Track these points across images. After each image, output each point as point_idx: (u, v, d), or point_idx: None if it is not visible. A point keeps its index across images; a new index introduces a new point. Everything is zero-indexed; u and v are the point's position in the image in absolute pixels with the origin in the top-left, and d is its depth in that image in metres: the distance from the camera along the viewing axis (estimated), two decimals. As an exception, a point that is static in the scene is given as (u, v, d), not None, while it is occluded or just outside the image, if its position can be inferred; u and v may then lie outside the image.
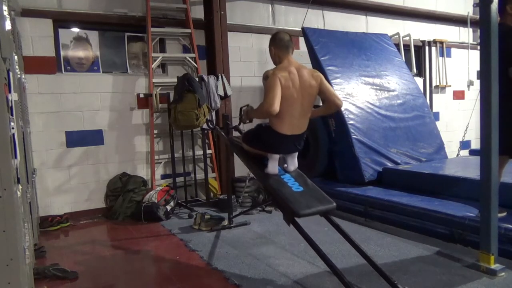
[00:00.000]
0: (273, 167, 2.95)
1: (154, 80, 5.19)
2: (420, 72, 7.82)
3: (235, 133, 4.19)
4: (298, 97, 2.79)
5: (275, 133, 2.84)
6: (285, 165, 3.04)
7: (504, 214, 3.20)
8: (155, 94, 5.09)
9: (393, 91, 5.58)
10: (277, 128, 2.83)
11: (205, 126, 5.02)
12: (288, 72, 2.77)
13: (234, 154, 4.54)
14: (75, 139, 4.87)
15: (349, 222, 4.19)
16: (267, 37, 6.19)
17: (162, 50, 5.50)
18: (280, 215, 2.93)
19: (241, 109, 3.41)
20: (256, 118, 3.17)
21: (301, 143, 3.00)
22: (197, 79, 5.10)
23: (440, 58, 7.95)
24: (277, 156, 2.96)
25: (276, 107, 2.67)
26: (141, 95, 5.17)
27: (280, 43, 2.89)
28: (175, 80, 5.05)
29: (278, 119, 2.80)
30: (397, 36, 7.10)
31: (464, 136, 6.23)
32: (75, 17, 4.88)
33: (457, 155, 6.26)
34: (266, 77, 2.83)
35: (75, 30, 5.00)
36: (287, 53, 2.89)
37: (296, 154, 3.06)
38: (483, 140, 2.89)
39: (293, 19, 6.31)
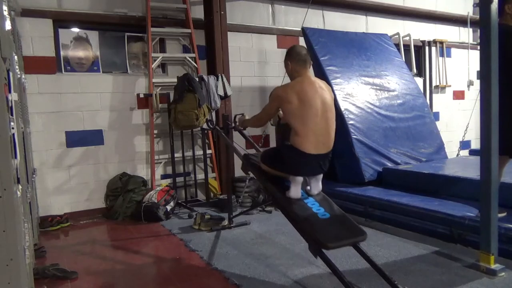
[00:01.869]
0: (296, 190, 2.72)
1: (154, 80, 5.19)
2: (420, 72, 7.82)
3: (236, 134, 4.19)
4: (320, 111, 2.62)
5: (298, 153, 2.62)
6: (308, 188, 2.82)
7: (504, 214, 3.20)
8: (155, 94, 5.09)
9: (393, 91, 5.58)
10: (301, 147, 2.61)
11: (205, 126, 5.02)
12: (302, 88, 2.62)
13: (234, 154, 4.54)
14: (75, 139, 4.87)
15: (349, 222, 4.18)
16: (267, 37, 6.27)
17: (162, 50, 5.50)
18: (280, 215, 2.93)
19: (235, 116, 3.43)
20: (249, 125, 3.19)
21: (326, 164, 2.76)
22: (197, 79, 5.10)
23: (440, 58, 7.95)
24: (300, 179, 2.73)
25: (263, 123, 2.82)
26: (141, 95, 5.17)
27: (297, 57, 2.74)
28: (175, 80, 5.06)
29: (300, 137, 2.61)
30: (397, 36, 7.10)
31: (464, 136, 6.23)
32: (75, 17, 4.88)
33: (457, 155, 6.26)
34: (272, 94, 2.76)
35: (75, 30, 5.00)
36: (305, 68, 2.74)
37: (321, 176, 2.83)
38: (483, 140, 2.89)
39: (293, 19, 6.31)
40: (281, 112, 2.88)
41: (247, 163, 3.24)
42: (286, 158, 2.72)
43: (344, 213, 2.70)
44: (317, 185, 2.82)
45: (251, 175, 4.15)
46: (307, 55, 2.78)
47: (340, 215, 2.67)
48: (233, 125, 3.49)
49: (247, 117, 3.39)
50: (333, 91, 4.92)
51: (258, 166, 3.03)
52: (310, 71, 2.81)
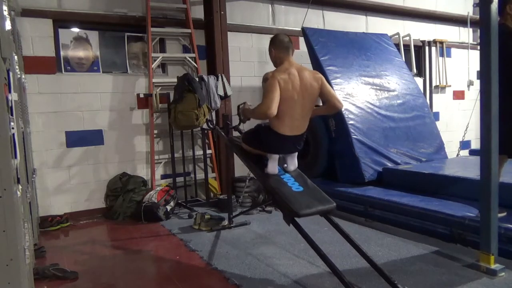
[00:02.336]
0: (273, 167, 2.96)
1: (154, 80, 5.19)
2: (420, 72, 7.82)
3: (235, 133, 4.20)
4: (299, 98, 2.80)
5: (275, 134, 2.85)
6: (285, 165, 3.05)
7: (504, 214, 3.20)
8: (155, 94, 5.09)
9: (393, 91, 5.58)
10: (277, 129, 2.84)
11: (205, 126, 5.02)
12: (288, 74, 2.77)
13: (234, 154, 4.54)
14: (75, 139, 4.87)
15: (349, 222, 4.19)
16: (267, 37, 6.20)
17: (162, 50, 5.50)
18: (280, 215, 2.93)
19: (238, 107, 3.42)
20: (253, 118, 3.17)
21: (301, 144, 3.01)
22: (197, 79, 5.10)
23: (440, 58, 7.95)
24: (276, 156, 2.97)
25: (274, 110, 2.69)
26: (141, 95, 5.17)
27: (280, 45, 2.90)
28: (175, 80, 5.06)
29: (278, 120, 2.80)
30: (397, 36, 7.10)
31: (464, 136, 6.22)
32: (75, 17, 4.88)
33: (457, 155, 6.26)
34: (266, 79, 2.83)
35: (75, 30, 5.00)
36: (288, 55, 2.89)
37: (296, 154, 3.07)
38: (483, 140, 2.89)
39: (293, 19, 6.31)
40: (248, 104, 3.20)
41: (231, 145, 3.52)
42: (263, 138, 2.96)
43: (316, 187, 2.92)
44: (293, 162, 3.06)
45: (251, 174, 4.15)
46: (290, 43, 2.92)
47: (312, 188, 2.89)
48: (241, 117, 3.46)
49: (248, 104, 3.40)
50: (325, 78, 4.94)
51: (240, 146, 3.28)
52: (293, 58, 2.91)
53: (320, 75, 2.92)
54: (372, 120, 5.13)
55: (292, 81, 2.77)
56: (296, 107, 2.81)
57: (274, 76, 2.75)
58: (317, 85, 2.87)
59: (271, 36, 3.10)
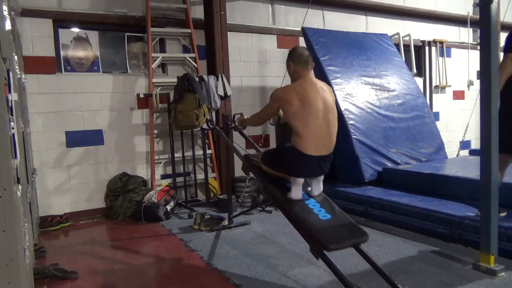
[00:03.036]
0: (296, 192, 2.72)
1: (154, 80, 5.19)
2: (420, 72, 7.82)
3: (236, 134, 4.19)
4: (321, 112, 2.62)
5: (299, 154, 2.61)
6: (309, 189, 2.82)
7: (504, 214, 3.21)
8: (155, 94, 5.09)
9: (393, 91, 5.58)
10: (302, 148, 2.60)
11: (205, 126, 5.02)
12: (304, 89, 2.62)
13: (234, 154, 4.54)
14: (75, 139, 4.87)
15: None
16: (267, 37, 6.27)
17: (162, 50, 5.50)
18: (281, 215, 2.93)
19: (234, 115, 3.43)
20: (248, 125, 3.20)
21: (327, 165, 2.75)
22: (197, 79, 5.10)
23: (440, 58, 7.95)
24: (301, 180, 2.74)
25: (262, 122, 2.83)
26: (141, 95, 5.17)
27: (299, 59, 2.74)
28: (175, 80, 5.05)
29: (301, 138, 2.60)
30: (397, 36, 7.10)
31: (464, 136, 6.23)
32: (75, 17, 4.88)
33: (457, 155, 6.26)
34: (272, 95, 2.75)
35: (75, 30, 5.00)
36: (307, 70, 2.73)
37: (322, 177, 2.83)
38: (483, 140, 2.89)
39: (293, 19, 6.31)
40: (281, 111, 2.86)
41: (247, 164, 3.22)
42: (287, 159, 2.70)
43: (345, 214, 2.69)
44: (318, 186, 2.81)
45: (251, 175, 4.15)
46: (309, 57, 2.77)
47: (341, 216, 2.66)
48: (232, 125, 3.51)
49: (246, 117, 3.39)
50: (333, 91, 4.95)
51: (259, 166, 3.00)
52: (312, 73, 2.81)
53: (330, 87, 2.83)
54: (372, 120, 5.13)
55: (310, 96, 2.60)
56: (319, 124, 2.61)
57: (278, 95, 2.66)
58: (333, 98, 2.77)
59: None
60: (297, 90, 2.63)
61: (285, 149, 2.72)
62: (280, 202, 2.83)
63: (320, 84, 2.75)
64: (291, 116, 2.63)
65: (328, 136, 2.68)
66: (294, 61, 2.75)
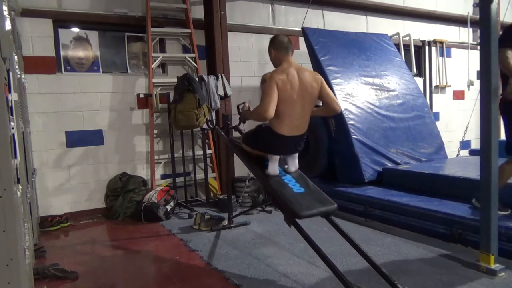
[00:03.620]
0: (273, 168, 2.94)
1: (154, 80, 5.19)
2: (420, 72, 7.82)
3: (236, 134, 4.20)
4: (298, 98, 2.79)
5: (275, 134, 2.85)
6: (286, 166, 3.04)
7: (508, 212, 3.21)
8: (155, 94, 5.09)
9: (393, 91, 5.58)
10: (277, 129, 2.84)
11: (205, 126, 5.02)
12: (287, 74, 2.78)
13: (234, 154, 4.55)
14: (75, 139, 4.87)
15: (349, 222, 4.19)
16: (267, 37, 6.19)
17: (162, 50, 5.50)
18: (280, 215, 2.93)
19: (238, 107, 3.43)
20: (252, 120, 3.17)
21: (301, 144, 3.00)
22: (197, 79, 5.10)
23: (440, 58, 7.95)
24: (277, 157, 2.96)
25: (271, 112, 2.71)
26: (141, 95, 5.17)
27: (280, 45, 2.91)
28: (175, 80, 5.05)
29: (277, 121, 2.80)
30: (397, 36, 7.10)
31: (464, 136, 6.22)
32: (75, 17, 4.88)
33: (457, 155, 6.26)
34: (264, 80, 2.85)
35: (75, 30, 5.00)
36: (287, 55, 2.90)
37: (297, 155, 3.06)
38: (483, 140, 2.89)
39: (293, 19, 6.31)
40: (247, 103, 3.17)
41: (231, 145, 3.49)
42: (264, 139, 2.96)
43: (318, 188, 2.90)
44: (293, 163, 3.04)
45: (251, 175, 4.14)
46: (289, 43, 2.94)
47: (313, 190, 2.87)
48: (238, 116, 3.52)
49: (247, 105, 3.41)
50: (333, 91, 4.95)
51: (241, 147, 3.27)
52: (292, 59, 2.93)
53: (320, 77, 2.92)
54: (372, 120, 5.13)
55: (290, 81, 2.77)
56: (296, 107, 2.80)
57: (272, 77, 2.76)
58: (317, 86, 2.87)
59: (271, 36, 3.12)
60: (280, 74, 2.79)
61: (263, 130, 2.98)
62: (260, 177, 3.10)
63: (302, 70, 2.88)
64: None
65: (301, 119, 2.88)
66: (276, 47, 2.93)
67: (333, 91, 4.95)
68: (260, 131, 3.01)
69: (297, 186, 2.85)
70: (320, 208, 2.70)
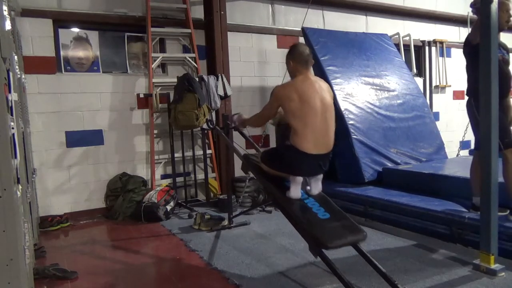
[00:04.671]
0: (295, 191, 2.73)
1: (154, 80, 5.19)
2: (420, 72, 7.82)
3: (236, 135, 4.19)
4: (320, 111, 2.63)
5: (298, 152, 2.63)
6: (308, 188, 2.83)
7: (507, 212, 3.21)
8: (155, 94, 5.09)
9: (393, 91, 5.58)
10: (301, 147, 2.62)
11: (205, 126, 5.02)
12: (302, 88, 2.64)
13: (234, 154, 4.54)
14: (75, 139, 4.87)
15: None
16: (267, 37, 6.27)
17: (162, 50, 5.50)
18: (280, 215, 2.93)
19: (232, 117, 3.39)
20: (250, 126, 3.19)
21: (326, 164, 2.77)
22: (197, 79, 5.10)
23: (440, 58, 7.95)
24: (300, 179, 2.75)
25: (262, 123, 2.78)
26: (141, 95, 5.17)
27: (299, 58, 2.74)
28: (175, 80, 5.06)
29: (300, 138, 2.62)
30: (397, 36, 7.10)
31: (464, 136, 6.22)
32: (75, 17, 4.88)
33: (457, 155, 6.26)
34: (272, 93, 2.78)
35: (75, 30, 5.00)
36: (306, 69, 2.75)
37: (321, 176, 2.84)
38: (483, 140, 2.89)
39: (293, 19, 6.31)
40: (281, 110, 2.84)
41: (247, 163, 3.23)
42: (285, 158, 2.72)
43: (344, 213, 2.70)
44: (317, 185, 2.83)
45: (251, 175, 4.13)
46: (310, 55, 2.78)
47: (340, 215, 2.67)
48: (232, 125, 3.49)
49: (244, 116, 3.36)
50: (333, 91, 4.94)
51: (258, 166, 3.02)
52: (311, 71, 2.83)
53: (328, 85, 2.85)
54: (372, 120, 5.13)
55: (308, 95, 2.62)
56: (318, 120, 2.62)
57: (279, 93, 2.67)
58: (331, 96, 2.78)
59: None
60: (296, 88, 2.65)
61: (284, 148, 2.77)
62: (279, 201, 2.84)
63: (319, 82, 2.77)
64: (290, 114, 2.64)
65: (326, 134, 2.69)
66: (294, 59, 2.75)
67: (333, 91, 4.97)
68: (282, 149, 2.83)
69: (322, 211, 2.64)
70: (349, 238, 2.52)
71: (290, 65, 2.79)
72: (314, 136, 2.63)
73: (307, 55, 2.76)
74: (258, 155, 3.13)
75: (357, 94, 5.23)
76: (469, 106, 3.40)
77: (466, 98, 3.47)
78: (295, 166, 2.70)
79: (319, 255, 2.49)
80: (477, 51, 2.95)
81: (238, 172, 5.47)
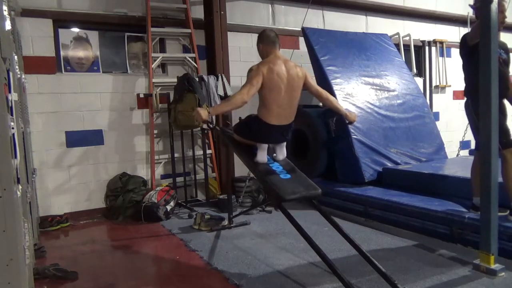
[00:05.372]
0: (262, 156, 3.10)
1: (154, 80, 5.19)
2: (420, 72, 7.82)
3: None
4: (285, 88, 2.95)
5: (263, 124, 3.01)
6: (274, 154, 3.20)
7: (507, 212, 3.21)
8: (155, 94, 5.09)
9: (393, 91, 5.58)
10: (265, 119, 3.00)
11: (205, 126, 5.02)
12: (274, 64, 2.94)
13: (234, 155, 4.55)
14: (75, 139, 4.87)
15: (349, 222, 4.19)
16: (267, 37, 6.21)
17: (162, 50, 5.50)
18: (281, 215, 2.93)
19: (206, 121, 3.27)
20: (224, 111, 3.44)
21: (288, 133, 3.16)
22: (197, 79, 5.10)
23: (440, 58, 7.95)
24: (265, 146, 3.12)
25: (248, 99, 2.84)
26: (141, 95, 5.17)
27: (267, 39, 3.12)
28: (175, 80, 5.06)
29: (265, 110, 2.98)
30: (397, 36, 7.10)
31: (464, 136, 6.22)
32: (75, 17, 4.88)
33: (457, 155, 6.26)
34: (250, 70, 3.01)
35: (75, 30, 5.00)
36: (274, 48, 3.09)
37: (285, 144, 3.23)
38: (483, 140, 2.89)
39: (293, 19, 6.31)
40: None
41: (223, 135, 3.63)
42: (253, 128, 3.11)
43: (303, 175, 3.05)
44: (281, 152, 3.21)
45: (251, 175, 4.14)
46: (276, 37, 3.15)
47: (299, 176, 3.03)
48: (211, 126, 3.61)
49: (208, 110, 3.23)
50: (333, 91, 4.95)
51: (232, 137, 3.40)
52: (279, 52, 3.12)
53: (304, 69, 3.10)
54: (372, 120, 5.13)
55: (277, 71, 2.92)
56: (283, 96, 2.95)
57: (258, 68, 2.93)
58: (302, 75, 3.04)
59: (258, 34, 3.25)
60: (269, 63, 2.96)
61: (252, 120, 3.14)
62: (249, 165, 3.24)
63: (290, 63, 3.04)
64: (262, 86, 2.92)
65: (289, 108, 3.04)
66: (263, 41, 3.15)
67: (333, 91, 4.97)
68: (250, 121, 3.16)
69: (284, 173, 3.01)
70: (303, 193, 2.86)
71: (260, 47, 3.18)
72: (278, 110, 2.98)
73: (273, 36, 3.13)
74: (232, 128, 3.54)
75: (357, 94, 5.23)
76: (467, 107, 3.40)
77: (465, 99, 3.47)
78: (261, 135, 3.09)
79: (278, 207, 2.92)
80: (474, 52, 2.95)
81: (238, 172, 5.49)
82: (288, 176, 2.99)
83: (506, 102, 3.38)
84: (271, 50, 3.09)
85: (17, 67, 2.78)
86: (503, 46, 3.37)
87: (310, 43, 5.39)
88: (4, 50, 1.78)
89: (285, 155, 3.24)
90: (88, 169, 4.96)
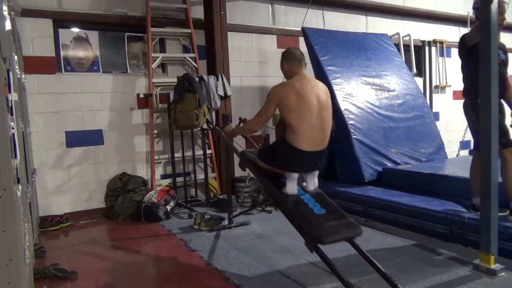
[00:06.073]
0: (291, 187, 2.76)
1: (154, 80, 5.19)
2: (420, 72, 7.82)
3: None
4: (316, 109, 2.68)
5: (293, 149, 2.67)
6: (304, 184, 2.87)
7: (506, 212, 3.21)
8: (155, 94, 5.09)
9: (393, 91, 5.58)
10: (296, 144, 2.66)
11: (205, 126, 5.03)
12: (298, 86, 2.68)
13: (234, 154, 4.55)
14: (75, 139, 4.87)
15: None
16: (267, 37, 6.27)
17: (162, 50, 5.50)
18: (280, 215, 2.93)
19: (216, 127, 3.34)
20: (240, 134, 3.18)
21: (322, 160, 2.81)
22: (197, 79, 5.10)
23: (440, 58, 7.95)
24: (296, 175, 2.78)
25: (258, 128, 2.75)
26: (141, 95, 5.17)
27: (293, 58, 2.83)
28: (175, 80, 5.06)
29: (295, 134, 2.66)
30: (397, 36, 7.10)
31: (464, 136, 6.23)
32: (75, 17, 4.88)
33: (457, 155, 6.27)
34: (271, 90, 2.78)
35: (75, 30, 5.00)
36: (300, 67, 2.81)
37: (317, 172, 2.88)
38: (482, 140, 2.89)
39: (293, 19, 6.31)
40: (278, 111, 2.88)
41: (244, 160, 3.27)
42: (282, 155, 2.76)
43: (339, 209, 2.72)
44: (313, 181, 2.86)
45: (251, 174, 4.13)
46: (302, 55, 2.86)
47: (335, 211, 2.69)
48: (211, 127, 3.54)
49: (232, 126, 3.36)
50: (333, 91, 4.95)
51: (255, 162, 3.06)
52: (306, 71, 2.87)
53: (325, 86, 2.87)
54: (372, 120, 5.13)
55: (303, 91, 2.67)
56: (314, 118, 2.67)
57: (274, 93, 2.71)
58: (328, 95, 2.82)
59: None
60: (293, 85, 2.70)
61: (280, 145, 2.80)
62: (276, 197, 2.87)
63: (315, 81, 2.84)
64: (286, 111, 2.68)
65: (322, 132, 2.74)
66: (288, 60, 2.84)
67: (333, 91, 4.97)
68: (278, 146, 2.86)
69: (318, 207, 2.66)
70: (345, 233, 2.53)
71: (285, 67, 2.87)
72: (310, 133, 2.67)
73: (299, 55, 2.84)
74: (255, 152, 3.16)
75: (357, 94, 5.23)
76: (465, 107, 3.39)
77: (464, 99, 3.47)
78: (291, 163, 2.74)
79: (315, 250, 2.50)
80: (473, 52, 2.95)
81: (238, 172, 5.48)
82: (323, 211, 2.61)
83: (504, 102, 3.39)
84: (297, 70, 2.79)
85: (17, 67, 2.78)
86: (502, 47, 3.37)
87: (310, 43, 5.39)
88: (4, 50, 1.78)
89: (317, 185, 2.86)
90: (88, 169, 4.96)
